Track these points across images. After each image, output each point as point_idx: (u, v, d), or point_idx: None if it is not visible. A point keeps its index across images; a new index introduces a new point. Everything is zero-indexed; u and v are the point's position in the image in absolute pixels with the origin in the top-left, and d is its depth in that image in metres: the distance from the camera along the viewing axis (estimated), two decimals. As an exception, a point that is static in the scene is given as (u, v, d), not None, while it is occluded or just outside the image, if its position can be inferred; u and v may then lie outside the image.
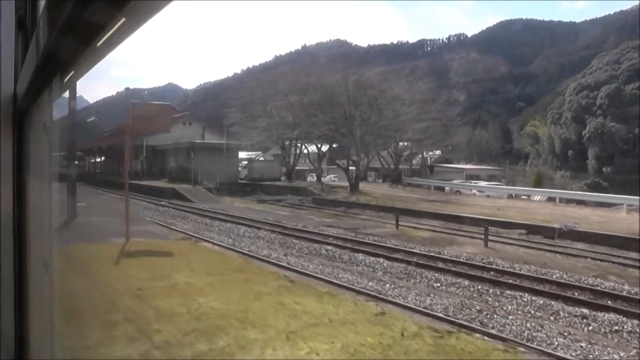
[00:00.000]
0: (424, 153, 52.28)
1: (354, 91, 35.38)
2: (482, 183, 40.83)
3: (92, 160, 62.48)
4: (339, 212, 24.20)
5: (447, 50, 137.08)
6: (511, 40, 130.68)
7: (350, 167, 36.60)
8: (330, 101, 35.56)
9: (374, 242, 14.17)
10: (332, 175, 49.43)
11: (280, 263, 10.91)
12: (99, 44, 0.81)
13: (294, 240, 14.43)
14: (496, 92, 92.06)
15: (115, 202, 24.79)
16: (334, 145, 41.24)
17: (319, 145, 40.84)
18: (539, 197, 32.27)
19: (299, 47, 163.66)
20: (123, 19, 0.70)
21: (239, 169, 43.66)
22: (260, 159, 52.74)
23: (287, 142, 44.00)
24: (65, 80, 1.28)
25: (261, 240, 14.80)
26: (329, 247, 13.26)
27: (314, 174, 45.49)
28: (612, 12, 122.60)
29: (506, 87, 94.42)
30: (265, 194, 34.58)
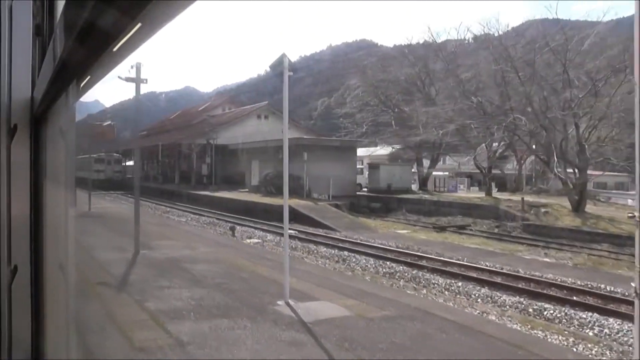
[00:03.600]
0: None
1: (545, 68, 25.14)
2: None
3: (133, 163, 55.42)
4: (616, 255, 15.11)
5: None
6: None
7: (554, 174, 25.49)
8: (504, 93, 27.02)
9: None
10: (458, 183, 38.34)
11: None
12: (115, 49, 0.82)
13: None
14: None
15: (195, 227, 19.11)
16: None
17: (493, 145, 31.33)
18: None
19: (324, 48, 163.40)
20: (139, 24, 0.70)
21: (358, 175, 33.42)
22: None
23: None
24: (82, 85, 1.29)
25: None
26: None
27: (461, 184, 35.67)
28: None
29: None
30: (410, 212, 25.79)
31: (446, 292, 10.25)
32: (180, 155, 41.71)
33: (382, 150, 40.52)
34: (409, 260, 13.13)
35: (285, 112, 8.48)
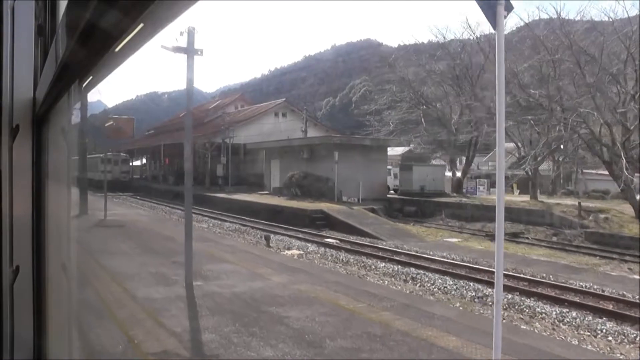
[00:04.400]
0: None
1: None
2: None
3: (141, 163, 51.66)
4: None
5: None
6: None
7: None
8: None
9: None
10: (478, 185, 34.66)
11: None
12: (117, 49, 0.82)
13: None
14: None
15: (222, 235, 16.46)
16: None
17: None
18: None
19: (329, 47, 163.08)
20: (141, 25, 0.70)
21: (388, 177, 31.01)
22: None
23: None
24: (84, 85, 1.29)
25: None
26: None
27: (480, 186, 32.44)
28: None
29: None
30: (450, 217, 23.89)
31: (563, 326, 8.14)
32: (194, 155, 40.27)
33: (399, 149, 38.99)
34: (490, 279, 10.57)
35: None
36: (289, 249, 14.78)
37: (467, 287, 10.48)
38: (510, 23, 32.46)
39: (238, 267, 9.98)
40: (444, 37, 34.71)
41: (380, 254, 14.14)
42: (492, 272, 10.35)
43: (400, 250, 14.70)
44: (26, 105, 1.54)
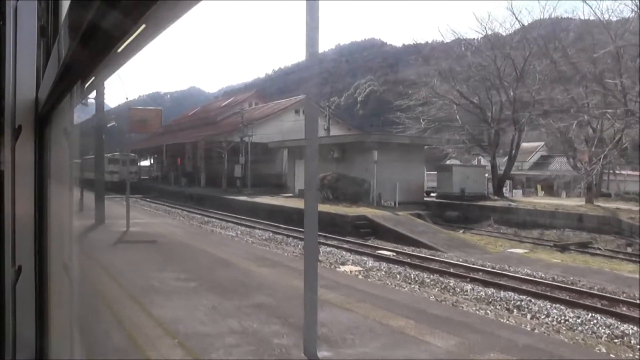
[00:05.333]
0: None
1: None
2: None
3: (149, 163, 48.70)
4: None
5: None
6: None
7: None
8: None
9: None
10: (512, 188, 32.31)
11: None
12: (119, 50, 0.82)
13: None
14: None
15: (258, 246, 14.31)
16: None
17: None
18: None
19: (333, 47, 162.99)
20: (143, 26, 0.70)
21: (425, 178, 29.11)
22: (453, 161, 34.90)
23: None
24: (86, 86, 1.30)
25: None
26: None
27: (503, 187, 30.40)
28: None
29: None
30: (499, 223, 21.84)
31: None
32: (207, 155, 37.69)
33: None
34: (609, 308, 8.99)
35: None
36: (343, 264, 12.74)
37: (591, 319, 8.48)
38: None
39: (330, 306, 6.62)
40: (487, 29, 32.77)
41: (452, 270, 12.20)
42: (605, 298, 9.49)
43: (472, 266, 12.71)
44: (28, 106, 1.55)
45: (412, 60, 38.75)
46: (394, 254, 14.36)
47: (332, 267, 12.22)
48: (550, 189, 32.31)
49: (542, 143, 39.03)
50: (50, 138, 1.60)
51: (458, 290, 10.52)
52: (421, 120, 32.38)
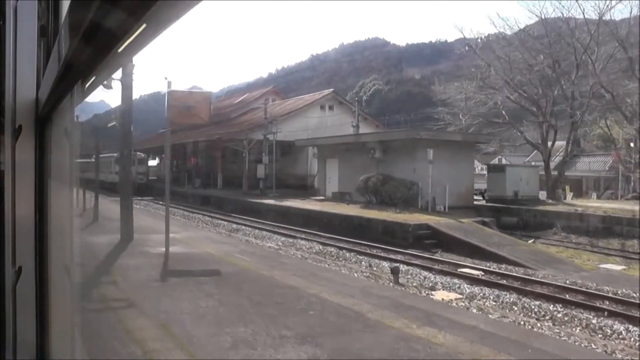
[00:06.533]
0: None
1: None
2: None
3: (156, 163, 45.28)
4: None
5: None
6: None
7: None
8: None
9: None
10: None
11: None
12: (120, 49, 0.81)
13: None
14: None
15: (320, 266, 11.03)
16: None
17: None
18: None
19: (337, 46, 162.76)
20: (144, 25, 0.70)
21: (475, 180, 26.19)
22: (503, 160, 31.58)
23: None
24: (87, 86, 1.29)
25: None
26: None
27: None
28: None
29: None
30: (567, 231, 19.43)
31: None
32: (223, 154, 34.87)
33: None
34: None
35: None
36: (432, 289, 10.14)
37: None
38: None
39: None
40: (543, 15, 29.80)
41: (567, 296, 9.66)
42: None
43: (592, 291, 10.07)
44: (29, 106, 1.54)
45: (460, 52, 36.42)
46: (481, 272, 11.84)
47: (419, 292, 9.50)
48: (579, 190, 29.98)
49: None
50: (50, 138, 1.60)
51: (608, 331, 7.79)
52: (461, 117, 30.32)
